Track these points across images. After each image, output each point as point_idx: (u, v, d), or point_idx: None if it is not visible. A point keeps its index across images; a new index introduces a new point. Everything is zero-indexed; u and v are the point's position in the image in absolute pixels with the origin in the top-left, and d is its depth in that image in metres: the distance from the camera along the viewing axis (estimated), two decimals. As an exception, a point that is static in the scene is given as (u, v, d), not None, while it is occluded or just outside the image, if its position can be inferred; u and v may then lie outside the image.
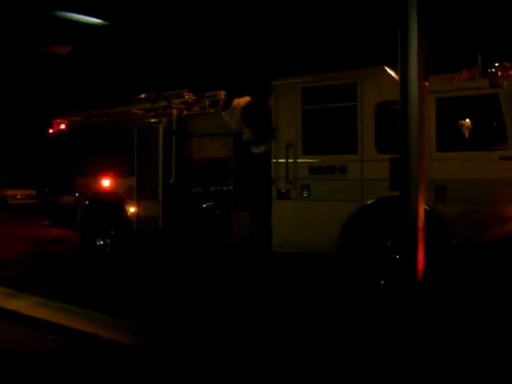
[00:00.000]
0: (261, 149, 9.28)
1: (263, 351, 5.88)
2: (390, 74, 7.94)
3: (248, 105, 9.69)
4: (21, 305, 8.04)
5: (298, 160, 8.59)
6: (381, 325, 6.65)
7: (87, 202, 11.44)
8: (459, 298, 7.29)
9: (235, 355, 5.77)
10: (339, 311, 7.48)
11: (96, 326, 6.92)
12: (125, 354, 6.13)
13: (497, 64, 7.32)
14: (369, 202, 7.99)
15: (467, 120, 7.61)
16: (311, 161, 8.50)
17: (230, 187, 9.88)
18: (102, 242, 11.31)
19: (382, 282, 7.84)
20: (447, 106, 7.58)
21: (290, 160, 8.62)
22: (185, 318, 7.24)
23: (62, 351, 6.35)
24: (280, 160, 8.72)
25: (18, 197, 27.85)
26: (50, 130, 12.60)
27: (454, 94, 7.57)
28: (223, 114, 9.73)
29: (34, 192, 27.19)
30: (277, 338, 6.30)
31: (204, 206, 9.87)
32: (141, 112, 11.18)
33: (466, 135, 7.58)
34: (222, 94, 10.25)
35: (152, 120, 10.77)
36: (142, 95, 11.53)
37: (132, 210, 10.74)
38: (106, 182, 11.13)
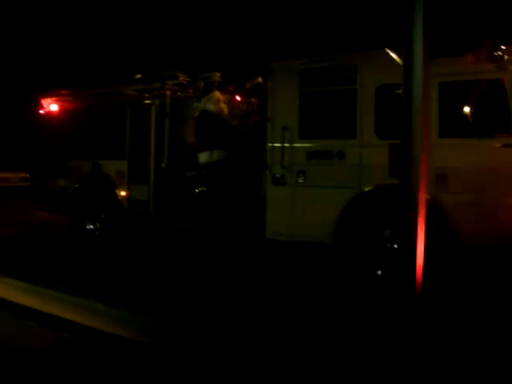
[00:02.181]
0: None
1: (257, 348, 5.62)
2: (391, 57, 7.64)
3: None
4: (3, 290, 7.76)
5: (294, 144, 8.30)
6: (376, 317, 6.41)
7: (77, 186, 11.13)
8: (460, 290, 7.05)
9: (229, 352, 5.50)
10: (333, 302, 7.23)
11: (83, 314, 6.66)
12: (113, 343, 5.86)
13: (503, 47, 7.01)
14: (367, 190, 7.72)
15: (470, 105, 7.34)
16: (308, 145, 8.21)
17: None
18: (91, 227, 11.03)
19: (379, 273, 7.59)
20: (450, 90, 7.30)
21: (285, 144, 8.32)
22: (174, 307, 6.99)
23: (46, 340, 6.09)
24: (275, 144, 8.44)
25: (11, 180, 27.47)
26: (41, 111, 12.27)
27: (458, 78, 7.29)
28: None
29: (27, 175, 26.79)
30: (268, 332, 6.06)
31: (196, 190, 9.56)
32: (134, 93, 10.87)
33: (469, 121, 7.31)
34: (217, 75, 9.96)
35: (145, 101, 10.45)
36: (136, 76, 11.21)
37: (123, 193, 10.46)
38: (96, 165, 10.82)
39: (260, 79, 9.37)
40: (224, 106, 9.53)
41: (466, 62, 7.37)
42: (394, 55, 7.59)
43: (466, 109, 7.37)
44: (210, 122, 9.32)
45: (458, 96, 7.36)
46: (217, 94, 9.53)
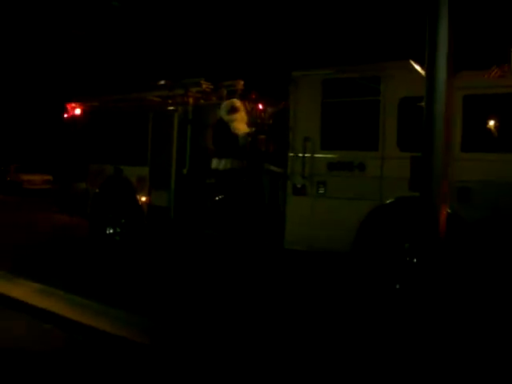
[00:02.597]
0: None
1: (268, 352, 5.61)
2: (415, 69, 7.59)
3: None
4: (21, 291, 7.82)
5: (316, 155, 8.25)
6: (393, 331, 6.34)
7: (98, 190, 11.21)
8: (481, 308, 6.93)
9: (241, 356, 5.49)
10: (349, 313, 7.18)
11: (99, 319, 6.68)
12: (127, 349, 5.87)
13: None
14: (387, 202, 7.65)
15: (495, 119, 7.25)
16: (329, 156, 8.16)
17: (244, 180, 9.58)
18: (111, 231, 11.08)
19: (398, 286, 7.51)
20: (474, 103, 7.21)
21: (307, 154, 8.28)
22: (191, 314, 6.97)
23: (60, 343, 6.12)
24: (297, 154, 8.40)
25: (35, 182, 27.73)
26: (65, 115, 12.39)
27: (483, 91, 7.19)
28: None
29: (50, 177, 26.99)
30: (282, 340, 6.03)
31: (217, 198, 9.56)
32: (157, 99, 10.92)
33: (493, 135, 7.22)
34: (241, 83, 9.97)
35: (168, 108, 10.49)
36: (159, 82, 11.26)
37: (143, 199, 10.50)
38: (117, 170, 10.88)
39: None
40: (239, 115, 9.48)
41: (491, 76, 7.29)
42: (418, 67, 7.53)
43: (490, 123, 7.29)
44: (220, 131, 9.35)
45: (482, 109, 7.27)
46: (233, 102, 9.51)
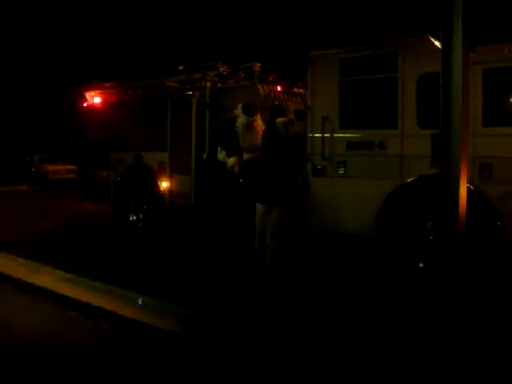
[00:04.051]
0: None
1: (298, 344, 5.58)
2: (434, 44, 7.43)
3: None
4: (47, 280, 7.91)
5: (335, 135, 8.17)
6: (418, 310, 6.28)
7: (119, 178, 11.27)
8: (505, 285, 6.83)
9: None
10: (373, 294, 7.13)
11: (122, 305, 6.75)
12: (154, 336, 5.91)
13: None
14: (409, 180, 7.55)
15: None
16: (348, 135, 8.07)
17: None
18: (134, 218, 11.15)
19: (421, 265, 7.43)
20: (495, 77, 7.05)
21: (326, 135, 8.20)
22: (221, 301, 6.94)
23: (88, 331, 6.18)
24: (316, 135, 8.32)
25: (59, 172, 27.91)
26: (84, 103, 12.44)
27: (504, 64, 7.02)
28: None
29: (74, 167, 27.12)
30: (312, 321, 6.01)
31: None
32: (175, 85, 10.87)
33: (515, 109, 7.06)
34: (257, 65, 9.89)
35: (186, 93, 10.45)
36: (179, 67, 11.22)
37: (164, 185, 10.53)
38: (138, 157, 10.91)
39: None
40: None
41: (511, 48, 7.13)
42: (436, 43, 7.38)
43: (512, 96, 7.13)
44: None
45: (503, 83, 7.10)
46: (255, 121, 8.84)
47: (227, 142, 8.13)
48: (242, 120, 7.02)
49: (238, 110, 7.10)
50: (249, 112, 7.00)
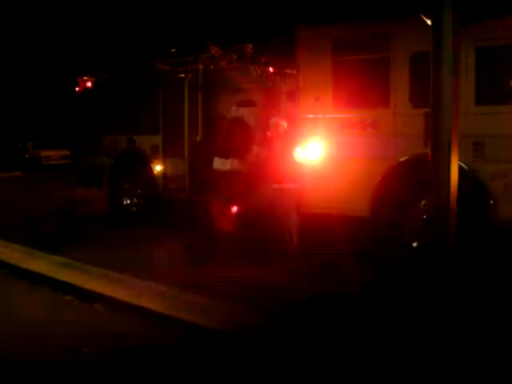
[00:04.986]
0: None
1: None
2: (426, 23, 7.37)
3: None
4: (42, 265, 7.92)
5: (327, 115, 8.14)
6: (411, 290, 6.28)
7: (113, 162, 11.24)
8: (495, 266, 6.82)
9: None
10: (366, 275, 7.12)
11: (117, 288, 6.77)
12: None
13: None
14: (402, 160, 7.54)
15: (510, 71, 7.05)
16: (341, 116, 8.04)
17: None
18: (128, 202, 11.15)
19: (415, 245, 7.44)
20: (488, 55, 7.02)
21: (318, 115, 8.17)
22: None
23: (82, 313, 6.25)
24: (308, 115, 8.28)
25: (53, 158, 27.83)
26: (77, 89, 12.36)
27: (497, 42, 6.99)
28: None
29: (67, 152, 26.97)
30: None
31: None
32: (167, 67, 10.82)
33: (509, 87, 7.04)
34: (249, 47, 9.83)
35: (177, 75, 10.39)
36: (170, 50, 11.16)
37: (158, 168, 10.51)
38: (131, 141, 10.88)
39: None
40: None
41: (504, 26, 7.07)
42: (429, 21, 7.32)
43: (505, 74, 7.09)
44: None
45: (496, 61, 7.07)
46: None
47: None
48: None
49: None
50: None
